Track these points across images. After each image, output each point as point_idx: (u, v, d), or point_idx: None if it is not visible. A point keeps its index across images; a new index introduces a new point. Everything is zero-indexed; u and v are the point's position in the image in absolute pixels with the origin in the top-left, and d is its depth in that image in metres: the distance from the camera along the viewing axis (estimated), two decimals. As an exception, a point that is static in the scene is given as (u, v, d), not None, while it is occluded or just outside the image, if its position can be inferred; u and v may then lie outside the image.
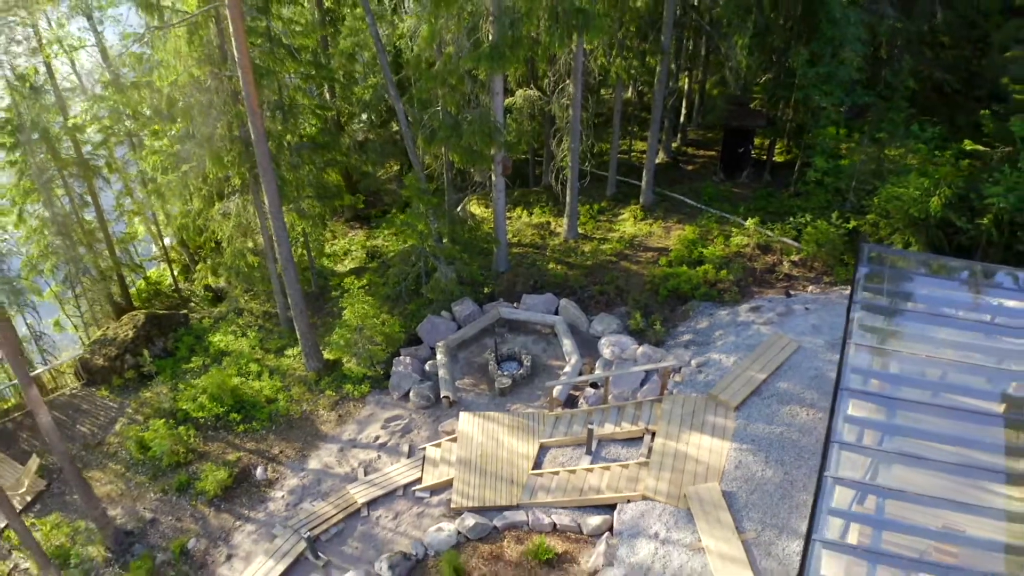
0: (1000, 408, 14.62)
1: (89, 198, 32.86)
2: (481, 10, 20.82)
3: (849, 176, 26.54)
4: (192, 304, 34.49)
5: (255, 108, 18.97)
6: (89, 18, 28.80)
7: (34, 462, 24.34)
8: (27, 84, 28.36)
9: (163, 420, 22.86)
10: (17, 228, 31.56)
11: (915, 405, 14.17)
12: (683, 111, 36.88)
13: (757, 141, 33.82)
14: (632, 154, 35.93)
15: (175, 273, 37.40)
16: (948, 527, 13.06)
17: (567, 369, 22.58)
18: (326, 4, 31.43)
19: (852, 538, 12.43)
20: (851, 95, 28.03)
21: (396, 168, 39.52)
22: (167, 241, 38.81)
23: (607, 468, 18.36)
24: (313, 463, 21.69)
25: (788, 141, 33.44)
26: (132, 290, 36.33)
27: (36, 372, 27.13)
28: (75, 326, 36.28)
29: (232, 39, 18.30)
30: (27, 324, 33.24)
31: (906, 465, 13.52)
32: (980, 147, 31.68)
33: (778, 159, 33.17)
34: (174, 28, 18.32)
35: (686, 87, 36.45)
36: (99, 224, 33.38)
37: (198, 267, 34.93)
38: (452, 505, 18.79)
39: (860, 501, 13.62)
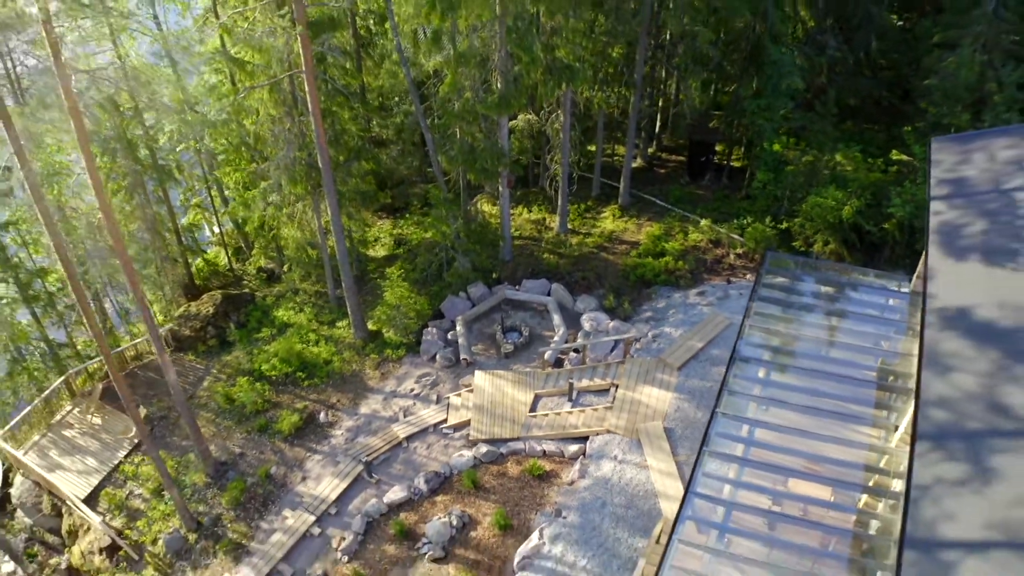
0: (873, 375, 20.35)
1: (160, 194, 38.52)
2: (492, 64, 26.36)
3: (784, 186, 32.14)
4: (244, 282, 40.24)
5: (323, 144, 24.63)
6: (170, 56, 34.12)
7: (140, 412, 30.37)
8: (118, 108, 33.71)
9: (246, 378, 28.86)
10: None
11: (794, 369, 20.02)
12: (658, 122, 42.28)
13: (719, 148, 39.32)
14: (615, 157, 41.39)
15: (229, 255, 43.16)
16: (817, 452, 18.86)
17: (556, 338, 28.49)
18: (360, 31, 36.84)
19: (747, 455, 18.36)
20: (788, 119, 33.45)
21: (416, 163, 44.99)
22: (217, 229, 44.58)
23: (583, 411, 24.36)
24: (364, 409, 27.72)
25: (743, 150, 38.95)
26: (192, 269, 42.12)
27: (137, 342, 33.02)
28: (150, 301, 42.10)
29: (306, 93, 23.94)
30: (116, 301, 39.23)
31: (784, 409, 19.39)
32: (905, 156, 37.22)
33: (736, 164, 38.66)
34: (265, 83, 23.88)
35: (660, 102, 41.83)
36: (169, 216, 39.06)
37: (253, 252, 40.73)
38: (470, 438, 24.85)
39: (751, 435, 19.52)
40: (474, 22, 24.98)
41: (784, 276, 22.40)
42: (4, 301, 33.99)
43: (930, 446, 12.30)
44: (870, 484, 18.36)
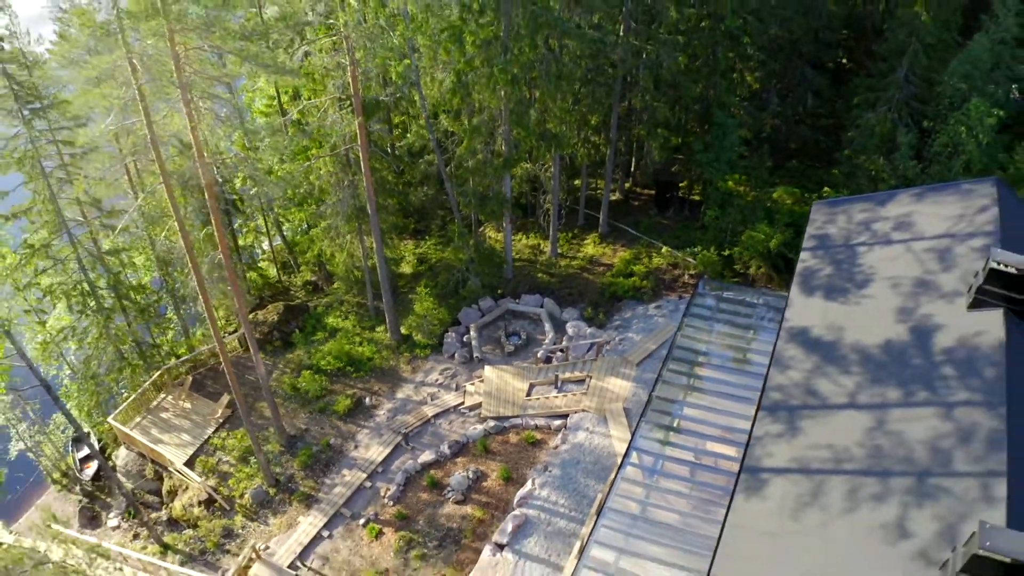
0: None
1: (226, 221, 45.49)
2: (497, 133, 33.43)
3: (729, 220, 39.09)
4: (292, 292, 47.28)
5: (372, 195, 31.73)
6: (241, 116, 41.06)
7: (225, 398, 37.18)
8: (190, 149, 40.59)
9: (308, 371, 35.96)
10: (172, 237, 44.03)
11: (713, 366, 27.12)
12: (633, 162, 49.20)
13: (683, 184, 46.28)
14: (598, 190, 48.39)
15: (278, 268, 50.19)
16: (728, 424, 25.92)
17: (547, 341, 35.50)
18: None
19: (672, 424, 25.48)
20: (733, 167, 40.32)
21: (433, 193, 51.99)
22: (266, 245, 51.73)
23: (565, 395, 31.42)
24: (400, 395, 34.81)
25: (701, 187, 45.90)
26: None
27: (211, 345, 40.02)
28: (215, 307, 49.15)
29: (359, 157, 31.00)
30: (191, 308, 46.32)
31: (704, 393, 26.51)
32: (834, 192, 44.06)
33: (696, 198, 45.59)
34: (328, 155, 31.06)
35: (634, 148, 48.78)
36: (231, 239, 46.06)
37: (301, 268, 47.87)
38: (481, 416, 31.88)
39: (680, 411, 26.64)
40: (484, 104, 32.06)
41: (712, 297, 29.50)
42: (107, 308, 40.99)
43: (766, 414, 19.40)
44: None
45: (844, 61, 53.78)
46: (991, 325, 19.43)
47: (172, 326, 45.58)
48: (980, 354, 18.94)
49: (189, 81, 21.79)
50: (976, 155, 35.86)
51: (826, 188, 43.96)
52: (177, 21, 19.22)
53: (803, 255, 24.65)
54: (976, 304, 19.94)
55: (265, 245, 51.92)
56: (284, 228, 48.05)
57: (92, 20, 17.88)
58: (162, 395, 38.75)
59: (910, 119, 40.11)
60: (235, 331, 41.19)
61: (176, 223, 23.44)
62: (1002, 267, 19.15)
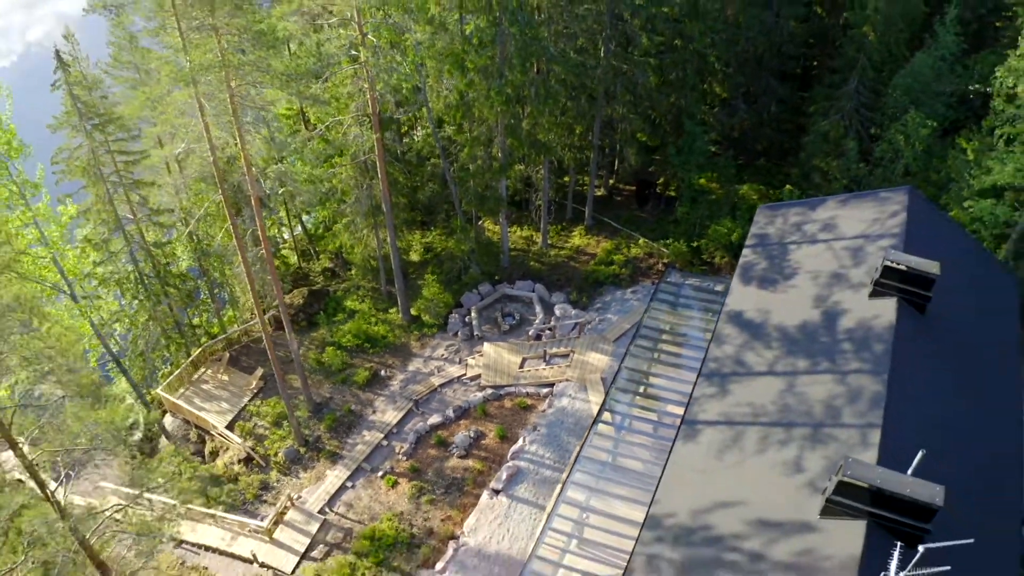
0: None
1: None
2: (495, 142, 37.90)
3: (698, 215, 43.52)
4: (311, 278, 51.78)
5: (387, 196, 36.25)
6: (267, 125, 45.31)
7: (259, 372, 41.92)
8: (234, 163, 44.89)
9: (331, 347, 40.65)
10: (227, 238, 48.62)
11: (673, 342, 31.83)
12: (617, 160, 53.53)
13: (660, 180, 50.63)
14: (585, 187, 52.71)
15: (299, 255, 54.61)
16: (686, 390, 30.63)
17: (537, 321, 40.01)
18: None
19: (638, 390, 30.22)
20: (703, 168, 44.64)
21: (438, 189, 56.32)
22: (287, 235, 56.20)
23: (552, 367, 36.08)
24: (411, 367, 39.47)
25: (676, 184, 50.26)
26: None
27: (247, 325, 44.73)
28: (242, 292, 53.76)
29: (376, 164, 35.49)
30: (222, 293, 50.88)
31: (666, 365, 31.26)
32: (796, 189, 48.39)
33: (672, 194, 49.90)
34: (349, 162, 35.55)
35: (617, 148, 53.07)
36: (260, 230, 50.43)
37: (320, 256, 52.40)
38: (481, 385, 36.50)
39: (646, 380, 31.40)
40: (482, 117, 36.51)
41: (676, 284, 34.18)
42: (155, 294, 45.58)
43: (704, 380, 24.12)
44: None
45: (814, 64, 57.58)
46: (885, 310, 24.01)
47: (207, 308, 50.24)
48: (874, 333, 23.53)
49: (240, 108, 26.26)
50: (912, 160, 40.12)
51: (787, 186, 48.14)
52: (236, 69, 23.65)
53: (745, 251, 29.22)
54: (876, 294, 24.51)
55: (286, 235, 56.32)
56: (304, 219, 52.45)
57: (175, 70, 22.25)
58: (202, 369, 43.23)
59: (860, 126, 44.26)
60: (264, 312, 45.72)
61: (231, 227, 27.98)
62: (895, 265, 23.76)
